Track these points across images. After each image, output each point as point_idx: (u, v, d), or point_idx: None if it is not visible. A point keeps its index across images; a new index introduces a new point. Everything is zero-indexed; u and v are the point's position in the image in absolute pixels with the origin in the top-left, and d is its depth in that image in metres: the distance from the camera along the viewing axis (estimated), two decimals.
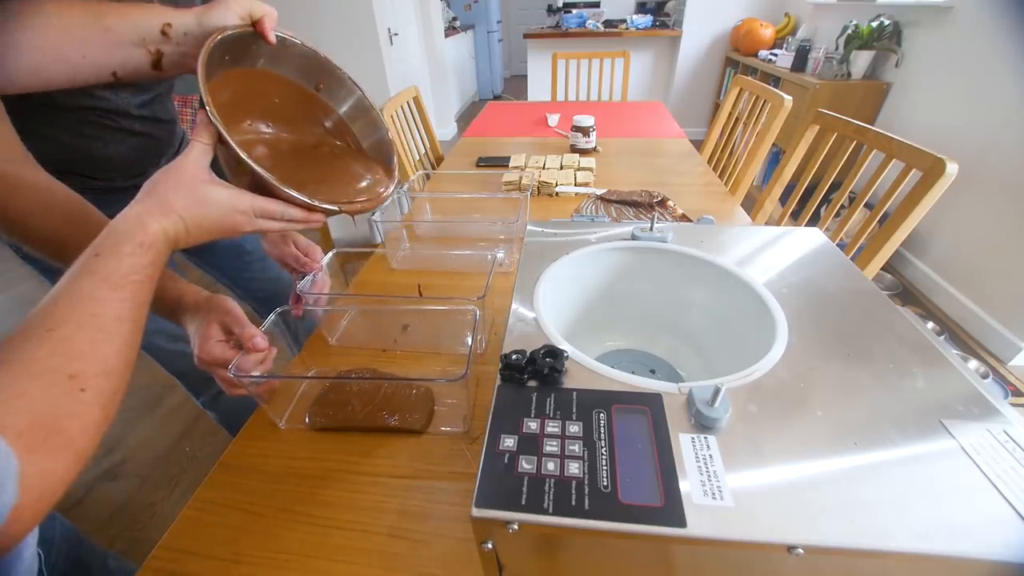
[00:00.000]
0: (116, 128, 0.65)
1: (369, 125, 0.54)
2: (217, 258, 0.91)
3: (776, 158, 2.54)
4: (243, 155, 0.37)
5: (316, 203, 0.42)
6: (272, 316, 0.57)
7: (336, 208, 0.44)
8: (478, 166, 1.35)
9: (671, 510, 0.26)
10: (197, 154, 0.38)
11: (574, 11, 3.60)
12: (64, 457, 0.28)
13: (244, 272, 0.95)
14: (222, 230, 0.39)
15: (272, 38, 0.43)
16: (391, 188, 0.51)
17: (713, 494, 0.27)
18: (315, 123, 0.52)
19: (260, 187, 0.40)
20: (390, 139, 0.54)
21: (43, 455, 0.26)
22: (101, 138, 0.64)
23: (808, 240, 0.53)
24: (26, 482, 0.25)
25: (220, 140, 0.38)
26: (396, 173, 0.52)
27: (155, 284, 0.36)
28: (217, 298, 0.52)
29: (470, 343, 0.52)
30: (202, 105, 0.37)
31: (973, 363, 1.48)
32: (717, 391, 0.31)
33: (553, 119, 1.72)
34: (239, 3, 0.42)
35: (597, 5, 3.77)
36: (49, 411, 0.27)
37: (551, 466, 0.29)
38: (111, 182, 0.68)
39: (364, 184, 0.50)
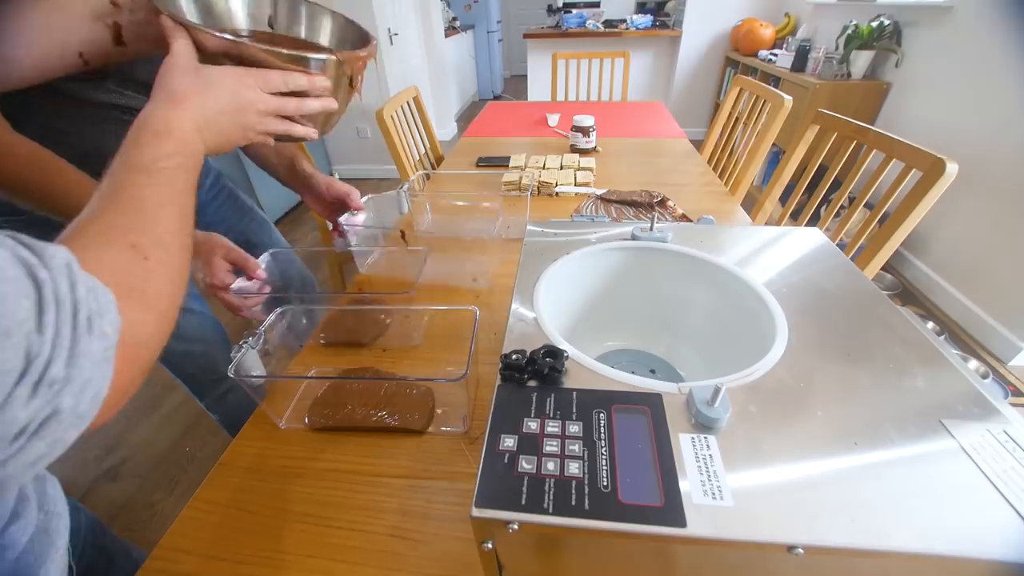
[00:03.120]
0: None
1: (325, 21, 0.54)
2: None
3: (776, 158, 2.54)
4: (217, 34, 0.38)
5: (310, 55, 0.42)
6: (266, 255, 0.67)
7: (334, 58, 0.44)
8: (478, 166, 1.35)
9: (671, 510, 0.26)
10: (182, 47, 0.38)
11: (574, 11, 3.60)
12: (149, 312, 0.28)
13: None
14: (236, 110, 0.39)
15: None
16: (373, 43, 0.52)
17: (713, 494, 0.27)
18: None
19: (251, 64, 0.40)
20: (346, 20, 0.55)
21: (130, 305, 0.27)
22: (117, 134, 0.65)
23: (808, 240, 0.53)
24: (121, 323, 0.25)
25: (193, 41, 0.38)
26: (373, 39, 0.53)
27: (191, 175, 0.36)
28: (215, 236, 0.60)
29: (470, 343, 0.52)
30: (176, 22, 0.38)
31: (973, 363, 1.48)
32: (717, 391, 0.31)
33: (553, 119, 1.72)
34: None
35: (597, 5, 3.77)
36: (124, 272, 0.28)
37: (551, 466, 0.29)
38: None
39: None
